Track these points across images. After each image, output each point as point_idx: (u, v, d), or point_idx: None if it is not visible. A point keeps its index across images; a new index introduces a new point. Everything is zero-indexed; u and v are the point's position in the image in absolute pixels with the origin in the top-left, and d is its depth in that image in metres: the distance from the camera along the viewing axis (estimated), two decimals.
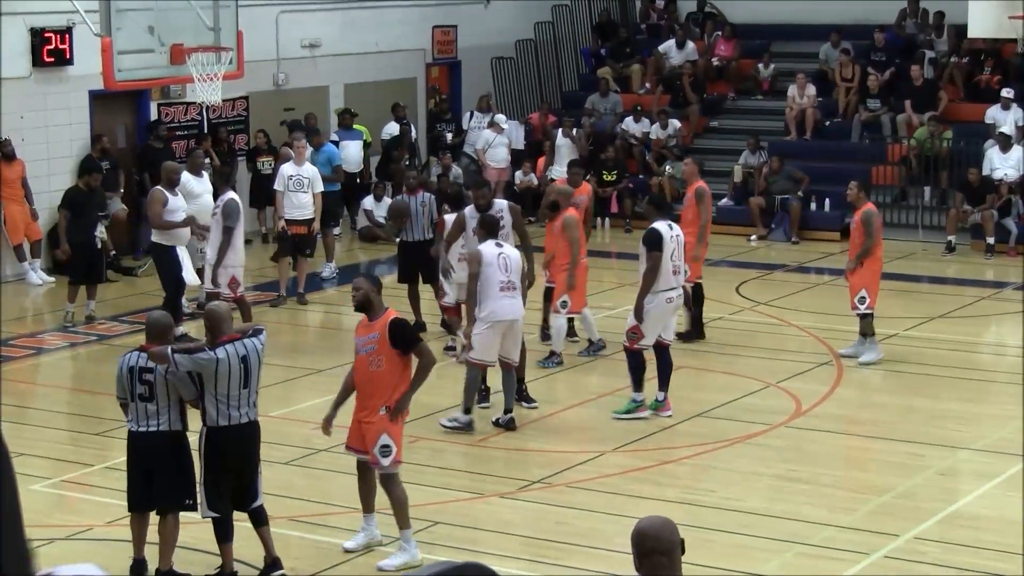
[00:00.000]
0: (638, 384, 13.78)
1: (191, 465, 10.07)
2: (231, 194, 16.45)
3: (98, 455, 13.15)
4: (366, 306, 10.39)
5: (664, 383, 13.88)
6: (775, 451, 13.19)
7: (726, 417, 13.98)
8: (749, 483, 12.47)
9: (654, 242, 13.62)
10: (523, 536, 11.09)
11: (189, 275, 16.59)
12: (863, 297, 15.71)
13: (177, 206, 16.38)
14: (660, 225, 13.77)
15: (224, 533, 10.11)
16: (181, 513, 10.21)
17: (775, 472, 12.72)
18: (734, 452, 13.10)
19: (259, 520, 10.23)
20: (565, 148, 22.93)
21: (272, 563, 10.23)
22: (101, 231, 17.92)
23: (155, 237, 16.75)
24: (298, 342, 17.41)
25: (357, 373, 10.50)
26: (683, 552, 5.64)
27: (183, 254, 16.56)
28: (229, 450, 9.99)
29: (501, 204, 15.00)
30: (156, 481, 10.01)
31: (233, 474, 10.07)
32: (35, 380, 16.00)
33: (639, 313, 13.61)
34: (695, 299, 16.57)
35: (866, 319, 15.80)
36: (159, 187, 16.67)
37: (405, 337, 10.35)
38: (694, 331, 16.59)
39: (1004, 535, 11.01)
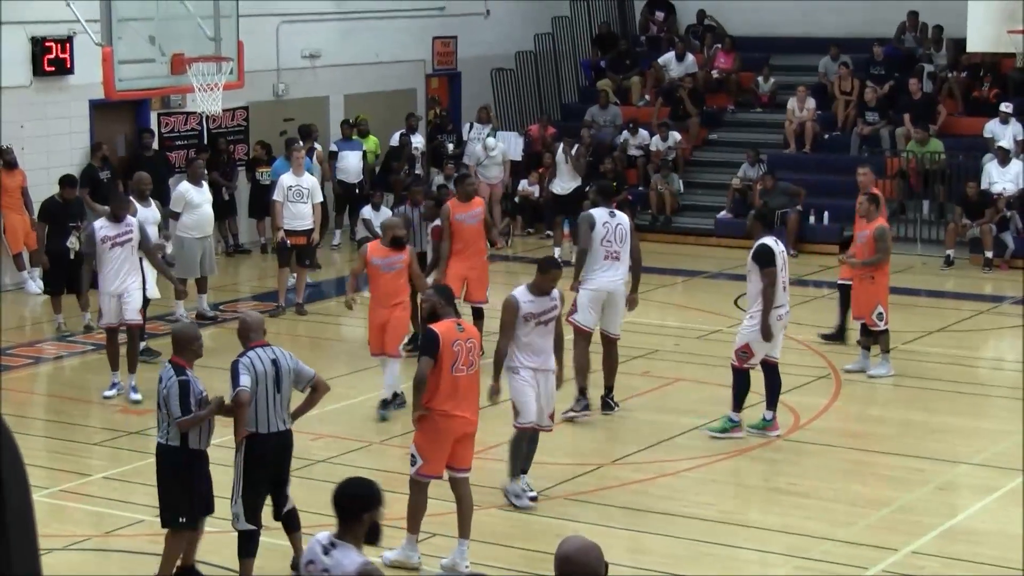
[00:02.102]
0: (738, 404, 13.68)
1: (190, 482, 9.92)
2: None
3: (96, 465, 13.15)
4: (433, 316, 10.55)
5: (772, 402, 13.78)
6: (774, 464, 13.18)
7: None
8: (747, 496, 12.47)
9: (767, 258, 13.54)
10: (522, 549, 11.07)
11: (152, 290, 16.33)
12: (881, 313, 15.73)
13: (146, 217, 16.13)
14: (768, 240, 13.69)
15: (251, 548, 10.09)
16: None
17: (773, 485, 12.72)
18: (733, 465, 13.09)
19: (292, 526, 10.26)
20: (563, 166, 22.89)
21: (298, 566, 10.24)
22: (73, 242, 17.91)
23: None
24: (296, 353, 17.28)
25: None
26: None
27: (146, 267, 16.16)
28: (268, 458, 10.00)
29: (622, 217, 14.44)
30: (159, 493, 10.03)
31: (270, 484, 10.11)
32: (33, 390, 15.99)
33: (767, 333, 13.50)
34: (842, 301, 16.93)
35: (884, 335, 15.82)
36: (129, 198, 16.41)
37: (420, 346, 10.59)
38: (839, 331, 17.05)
39: (1003, 549, 11.00)
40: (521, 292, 11.77)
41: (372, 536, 6.35)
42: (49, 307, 18.69)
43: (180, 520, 9.90)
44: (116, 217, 14.99)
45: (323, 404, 14.37)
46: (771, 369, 13.80)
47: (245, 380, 9.88)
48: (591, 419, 14.18)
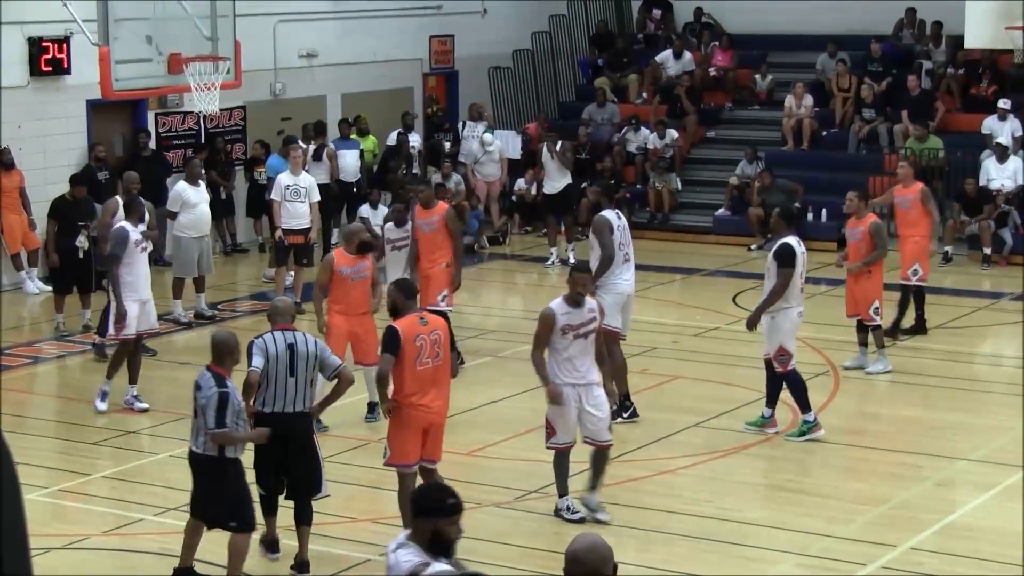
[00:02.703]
0: (804, 405, 13.62)
1: (235, 487, 9.85)
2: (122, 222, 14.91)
3: (95, 464, 13.15)
4: (395, 312, 10.56)
5: (772, 400, 13.76)
6: (772, 461, 13.19)
7: (723, 427, 13.98)
8: (746, 493, 12.47)
9: (787, 258, 13.42)
10: (520, 546, 11.08)
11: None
12: (876, 308, 15.71)
13: None
14: (791, 240, 13.57)
15: (268, 508, 10.39)
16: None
17: (772, 482, 12.73)
18: (731, 462, 13.09)
19: (302, 519, 10.33)
20: (550, 164, 22.83)
21: (299, 564, 10.29)
22: (82, 241, 17.90)
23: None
24: None
25: None
26: None
27: None
28: (275, 437, 10.03)
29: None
30: (202, 500, 9.96)
31: (281, 463, 10.20)
32: (31, 389, 15.99)
33: (753, 324, 13.49)
34: (916, 300, 17.02)
35: (879, 330, 15.82)
36: (116, 197, 16.20)
37: (381, 342, 10.61)
38: (919, 326, 17.19)
39: (1002, 546, 11.00)
40: (558, 304, 11.34)
41: (436, 546, 6.33)
42: (47, 307, 18.69)
43: (231, 524, 9.87)
44: (142, 220, 14.83)
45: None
46: (773, 367, 13.79)
47: (257, 361, 10.04)
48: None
